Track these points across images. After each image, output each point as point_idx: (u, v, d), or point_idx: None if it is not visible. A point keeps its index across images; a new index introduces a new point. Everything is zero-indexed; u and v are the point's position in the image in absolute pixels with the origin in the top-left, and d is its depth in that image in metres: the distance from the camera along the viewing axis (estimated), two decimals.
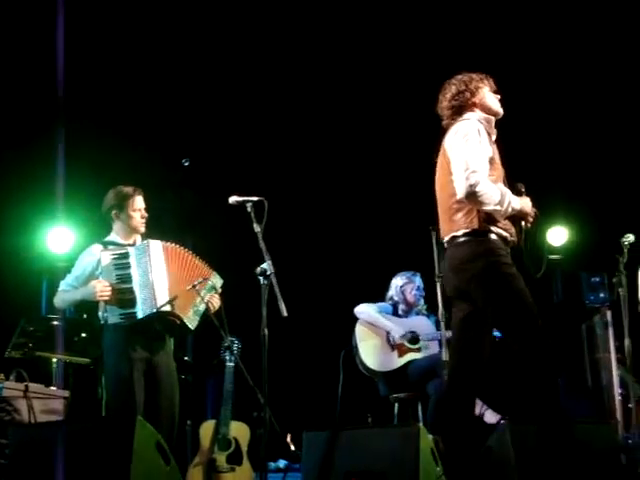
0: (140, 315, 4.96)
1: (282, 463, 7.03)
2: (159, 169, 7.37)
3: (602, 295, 7.50)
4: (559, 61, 8.10)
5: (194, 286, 5.06)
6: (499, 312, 4.23)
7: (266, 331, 4.52)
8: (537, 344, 4.17)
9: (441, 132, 4.45)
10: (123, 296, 5.00)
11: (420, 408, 6.39)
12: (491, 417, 6.03)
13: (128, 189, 5.19)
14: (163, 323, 5.08)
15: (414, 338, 6.43)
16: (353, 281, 7.89)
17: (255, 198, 4.73)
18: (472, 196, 4.11)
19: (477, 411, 6.09)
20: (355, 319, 6.56)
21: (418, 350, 6.42)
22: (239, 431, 5.79)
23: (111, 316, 4.99)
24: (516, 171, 4.50)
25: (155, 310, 4.95)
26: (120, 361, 4.98)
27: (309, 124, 8.24)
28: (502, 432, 5.41)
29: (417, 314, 6.64)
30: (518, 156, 8.17)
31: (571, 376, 7.11)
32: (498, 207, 4.16)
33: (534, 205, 4.41)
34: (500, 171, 4.36)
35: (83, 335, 6.43)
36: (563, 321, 8.12)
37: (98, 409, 5.82)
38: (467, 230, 4.24)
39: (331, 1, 7.79)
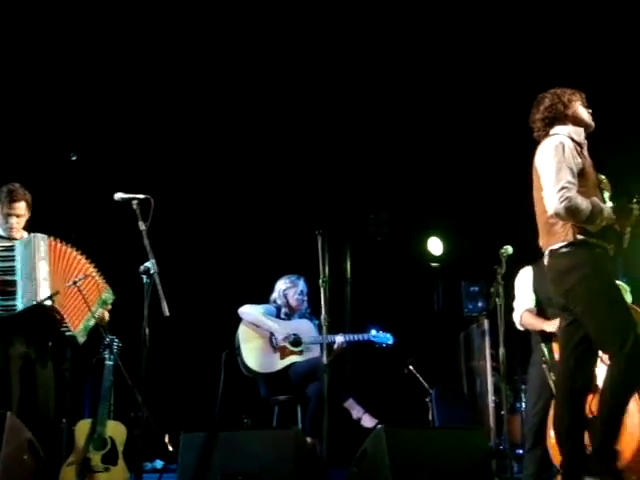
0: (20, 307, 4.91)
1: (159, 464, 6.96)
2: (45, 163, 7.21)
3: (480, 304, 7.73)
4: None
5: (75, 282, 5.06)
6: (593, 323, 4.32)
7: (147, 330, 4.49)
8: (631, 356, 4.20)
9: (534, 145, 4.56)
10: (4, 288, 4.96)
11: (299, 411, 6.43)
12: (368, 421, 6.10)
13: (4, 191, 5.14)
14: (47, 321, 5.03)
15: (296, 341, 6.47)
16: (238, 282, 7.88)
17: (141, 196, 4.70)
18: (562, 212, 4.23)
19: (354, 415, 6.18)
20: (239, 320, 6.56)
21: (300, 353, 6.46)
22: (115, 430, 5.70)
23: None
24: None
25: (35, 302, 4.90)
26: None
27: (197, 122, 8.18)
28: (378, 435, 5.53)
29: (300, 317, 6.67)
30: (401, 166, 8.41)
31: (447, 383, 7.27)
32: (589, 220, 4.28)
33: None
34: (593, 181, 4.46)
35: None
36: (443, 329, 8.31)
37: None
38: (564, 243, 4.37)
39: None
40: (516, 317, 5.83)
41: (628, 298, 5.51)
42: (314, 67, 7.90)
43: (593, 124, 4.62)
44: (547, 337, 5.56)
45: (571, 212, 4.24)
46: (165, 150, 8.16)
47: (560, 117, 4.56)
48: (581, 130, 4.58)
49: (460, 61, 7.94)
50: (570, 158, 4.34)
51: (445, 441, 5.32)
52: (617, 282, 4.75)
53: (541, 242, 4.53)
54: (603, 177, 4.64)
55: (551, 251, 4.44)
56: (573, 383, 4.44)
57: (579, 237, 4.33)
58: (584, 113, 4.61)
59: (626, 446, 5.00)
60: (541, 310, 5.77)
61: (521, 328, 5.84)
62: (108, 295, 5.30)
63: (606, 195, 4.60)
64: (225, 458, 5.24)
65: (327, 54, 7.81)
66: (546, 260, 4.50)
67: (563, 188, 4.23)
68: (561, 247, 4.38)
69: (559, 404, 4.52)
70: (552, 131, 4.54)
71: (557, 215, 4.27)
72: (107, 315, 5.35)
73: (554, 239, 4.41)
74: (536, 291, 5.79)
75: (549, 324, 5.52)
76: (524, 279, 5.89)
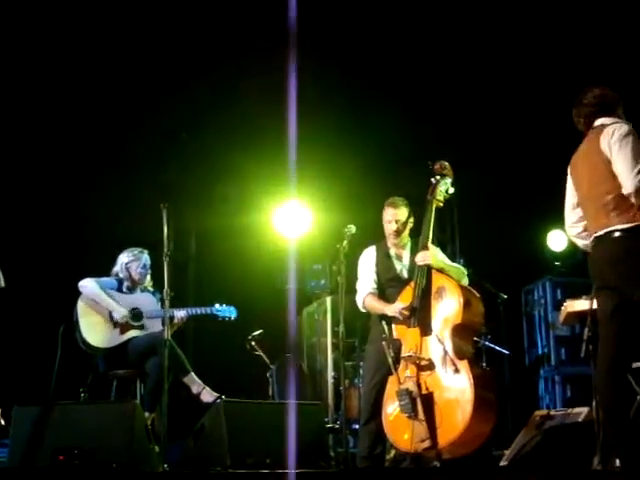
0: None
1: None
2: None
3: (323, 282, 7.85)
4: None
5: None
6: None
7: None
8: None
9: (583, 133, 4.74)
10: None
11: (139, 386, 6.37)
12: (208, 396, 6.10)
13: None
14: None
15: (137, 315, 6.38)
16: (79, 254, 7.70)
17: None
18: None
19: (194, 390, 6.16)
20: (78, 293, 6.41)
21: (141, 327, 6.37)
22: None
23: None
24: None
25: None
26: None
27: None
28: (216, 410, 5.56)
29: (142, 291, 6.59)
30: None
31: (288, 359, 7.35)
32: None
33: None
34: None
35: None
36: (286, 305, 8.36)
37: None
38: (626, 226, 4.45)
39: None
40: (359, 300, 5.91)
41: None
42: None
43: None
44: (387, 317, 5.70)
45: None
46: None
47: (611, 107, 4.76)
48: None
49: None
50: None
51: (283, 415, 5.40)
52: None
53: (596, 223, 4.61)
54: None
55: (608, 232, 4.54)
56: (619, 363, 4.55)
57: None
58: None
59: (458, 421, 5.21)
60: (382, 290, 5.90)
61: (364, 310, 5.94)
62: None
63: None
64: (59, 432, 5.15)
65: None
66: (602, 241, 4.57)
67: None
68: (622, 230, 4.49)
69: (605, 384, 4.60)
70: (604, 120, 4.71)
71: (637, 193, 4.43)
72: None
73: (614, 221, 4.52)
74: (378, 272, 5.91)
75: (390, 308, 5.65)
76: (366, 260, 5.99)
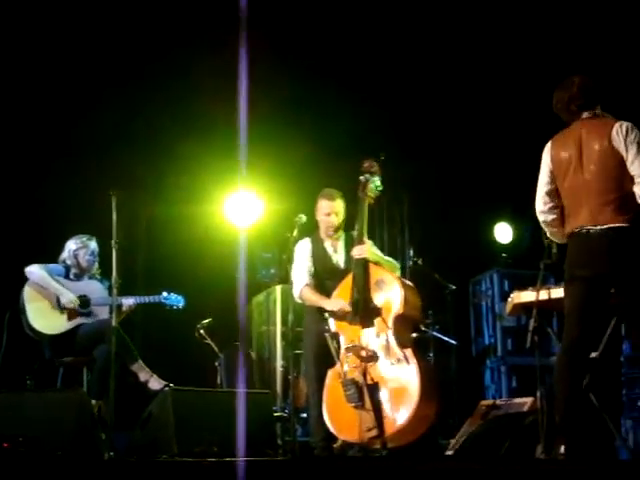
0: None
1: None
2: None
3: (273, 271, 7.85)
4: None
5: None
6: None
7: None
8: None
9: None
10: None
11: (85, 373, 6.33)
12: (156, 384, 6.09)
13: None
14: None
15: (85, 302, 6.34)
16: (26, 240, 7.61)
17: None
18: None
19: (141, 378, 6.14)
20: (25, 279, 6.35)
21: (88, 314, 6.34)
22: None
23: None
24: None
25: None
26: None
27: None
28: (164, 397, 5.56)
29: (90, 279, 6.55)
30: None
31: (237, 347, 7.35)
32: None
33: None
34: None
35: None
36: (235, 294, 8.34)
37: None
38: (628, 225, 4.55)
39: None
40: (295, 292, 5.93)
41: None
42: None
43: None
44: (324, 310, 5.75)
45: None
46: None
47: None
48: None
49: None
50: None
51: (231, 404, 5.40)
52: None
53: (593, 218, 4.62)
54: None
55: (617, 225, 4.58)
56: (581, 351, 4.64)
57: None
58: None
59: (406, 409, 5.27)
60: (320, 282, 5.92)
61: (300, 302, 5.96)
62: None
63: None
64: (4, 420, 5.11)
65: None
66: (604, 235, 4.59)
67: None
68: (628, 228, 4.56)
69: (565, 370, 4.66)
70: (599, 112, 4.76)
71: None
72: None
73: (620, 219, 4.57)
74: (314, 264, 5.94)
75: (330, 304, 5.70)
76: (302, 252, 6.02)
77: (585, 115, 4.77)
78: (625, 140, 4.61)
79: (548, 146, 4.84)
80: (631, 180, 4.58)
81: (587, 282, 4.62)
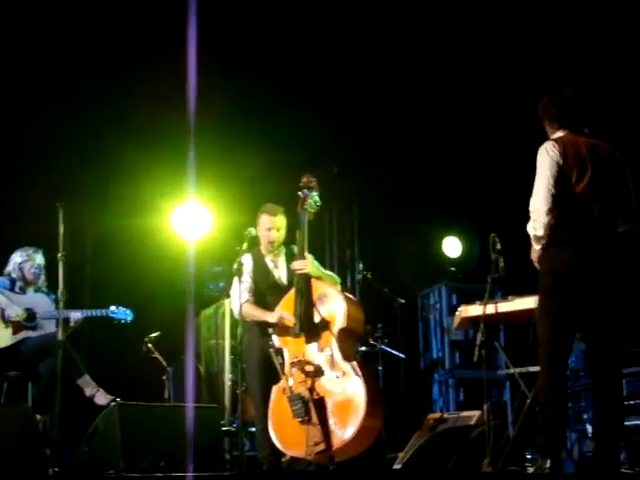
0: None
1: None
2: None
3: (222, 284, 7.81)
4: None
5: None
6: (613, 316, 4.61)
7: None
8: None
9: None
10: None
11: (30, 388, 6.25)
12: (102, 399, 6.03)
13: None
14: None
15: (31, 316, 6.26)
16: None
17: None
18: None
19: (87, 393, 6.08)
20: None
21: (34, 328, 6.27)
22: None
23: None
24: None
25: None
26: None
27: None
28: (110, 412, 5.50)
29: (36, 292, 6.47)
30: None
31: (185, 361, 7.29)
32: None
33: None
34: None
35: None
36: (185, 308, 8.29)
37: None
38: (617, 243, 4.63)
39: None
40: (235, 309, 5.83)
41: None
42: None
43: None
44: (267, 325, 5.74)
45: None
46: None
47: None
48: None
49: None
50: None
51: (178, 418, 5.37)
52: None
53: (604, 228, 4.62)
54: None
55: (616, 241, 4.66)
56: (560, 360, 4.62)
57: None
58: None
59: (353, 422, 5.28)
60: (261, 298, 5.90)
61: (238, 318, 5.80)
62: None
63: None
64: None
65: None
66: (606, 246, 4.62)
67: None
68: (618, 246, 4.64)
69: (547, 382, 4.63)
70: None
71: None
72: None
73: (617, 235, 4.66)
74: (255, 280, 5.91)
75: (273, 316, 5.69)
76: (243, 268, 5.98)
77: (587, 132, 4.81)
78: (623, 167, 4.76)
79: (554, 148, 4.66)
80: None
81: (578, 291, 4.59)
